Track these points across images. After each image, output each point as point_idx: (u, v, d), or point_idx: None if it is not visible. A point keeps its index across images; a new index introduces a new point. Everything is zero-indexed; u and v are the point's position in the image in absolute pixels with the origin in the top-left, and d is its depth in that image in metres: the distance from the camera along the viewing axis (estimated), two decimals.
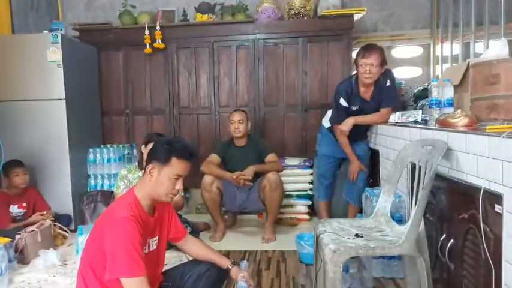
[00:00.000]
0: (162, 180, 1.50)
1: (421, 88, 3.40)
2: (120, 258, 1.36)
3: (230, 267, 1.73)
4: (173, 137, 1.62)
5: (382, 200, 1.96)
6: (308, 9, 3.76)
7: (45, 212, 3.05)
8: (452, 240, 1.65)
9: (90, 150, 3.66)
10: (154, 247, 1.62)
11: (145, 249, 1.53)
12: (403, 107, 3.40)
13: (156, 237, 1.63)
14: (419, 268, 1.65)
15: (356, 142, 2.93)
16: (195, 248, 1.81)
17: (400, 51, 4.24)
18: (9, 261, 2.35)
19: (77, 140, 3.47)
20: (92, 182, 3.67)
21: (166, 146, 1.52)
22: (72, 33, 4.00)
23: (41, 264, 2.47)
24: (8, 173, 3.04)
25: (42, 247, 2.61)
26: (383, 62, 2.65)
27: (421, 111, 2.58)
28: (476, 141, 1.47)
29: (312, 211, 3.59)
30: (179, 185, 1.53)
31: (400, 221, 2.09)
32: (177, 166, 1.50)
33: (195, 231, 2.83)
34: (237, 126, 3.14)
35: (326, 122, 3.10)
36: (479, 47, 3.21)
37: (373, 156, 2.94)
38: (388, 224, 1.88)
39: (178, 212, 2.94)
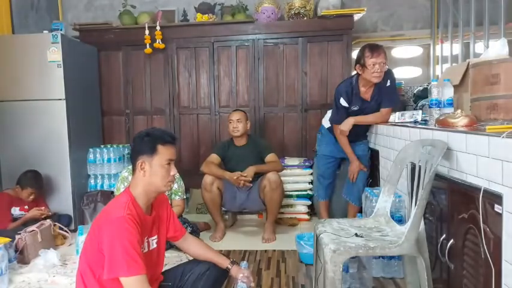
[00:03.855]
0: (156, 171, 1.52)
1: (421, 88, 3.40)
2: (118, 258, 1.35)
3: (229, 266, 1.73)
4: (148, 128, 1.64)
5: (382, 200, 1.96)
6: (308, 9, 3.76)
7: (42, 208, 3.05)
8: (452, 240, 1.65)
9: (90, 150, 3.67)
10: (155, 246, 1.62)
11: (144, 248, 1.53)
12: (403, 107, 3.40)
13: (156, 236, 1.63)
14: (419, 268, 1.65)
15: (356, 142, 2.93)
16: (194, 247, 1.81)
17: (400, 51, 4.25)
18: (9, 261, 2.35)
19: (77, 140, 3.47)
20: (92, 182, 3.68)
21: (147, 138, 1.54)
22: (72, 33, 4.01)
23: (41, 264, 2.47)
24: (22, 184, 3.03)
25: (42, 247, 2.61)
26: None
27: (421, 111, 2.58)
28: (476, 141, 1.47)
29: (312, 211, 3.59)
30: (173, 170, 1.56)
31: (400, 221, 2.09)
32: (164, 152, 1.53)
33: (195, 231, 2.83)
34: (236, 125, 3.14)
35: (326, 122, 3.10)
36: (479, 47, 3.22)
37: (373, 156, 2.94)
38: (388, 224, 1.88)
39: None
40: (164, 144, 1.53)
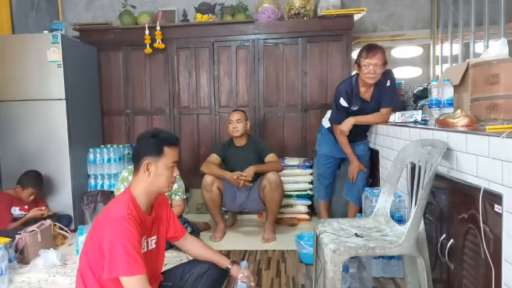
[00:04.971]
0: (161, 172, 1.52)
1: (421, 88, 3.40)
2: (118, 257, 1.35)
3: (229, 266, 1.73)
4: (152, 129, 1.65)
5: (382, 200, 1.96)
6: (308, 9, 3.76)
7: (43, 208, 3.05)
8: (452, 240, 1.65)
9: (90, 150, 3.67)
10: (154, 246, 1.62)
11: (143, 248, 1.54)
12: (403, 107, 3.40)
13: (155, 237, 1.63)
14: (419, 268, 1.65)
15: (356, 142, 2.93)
16: (194, 247, 1.81)
17: (400, 51, 4.25)
18: (9, 261, 2.35)
19: (77, 140, 3.47)
20: (92, 182, 3.68)
21: (154, 139, 1.53)
22: (72, 33, 4.01)
23: (41, 264, 2.47)
24: (23, 184, 3.02)
25: (42, 247, 2.61)
26: (385, 62, 2.66)
27: (421, 111, 2.58)
28: (476, 141, 1.47)
29: (312, 211, 3.60)
30: (176, 171, 1.58)
31: (400, 221, 2.09)
32: (170, 154, 1.54)
33: (195, 231, 2.83)
34: (235, 125, 3.14)
35: (326, 122, 3.10)
36: (479, 47, 3.22)
37: (373, 156, 2.94)
38: (388, 224, 1.88)
39: None
40: (170, 146, 1.54)
